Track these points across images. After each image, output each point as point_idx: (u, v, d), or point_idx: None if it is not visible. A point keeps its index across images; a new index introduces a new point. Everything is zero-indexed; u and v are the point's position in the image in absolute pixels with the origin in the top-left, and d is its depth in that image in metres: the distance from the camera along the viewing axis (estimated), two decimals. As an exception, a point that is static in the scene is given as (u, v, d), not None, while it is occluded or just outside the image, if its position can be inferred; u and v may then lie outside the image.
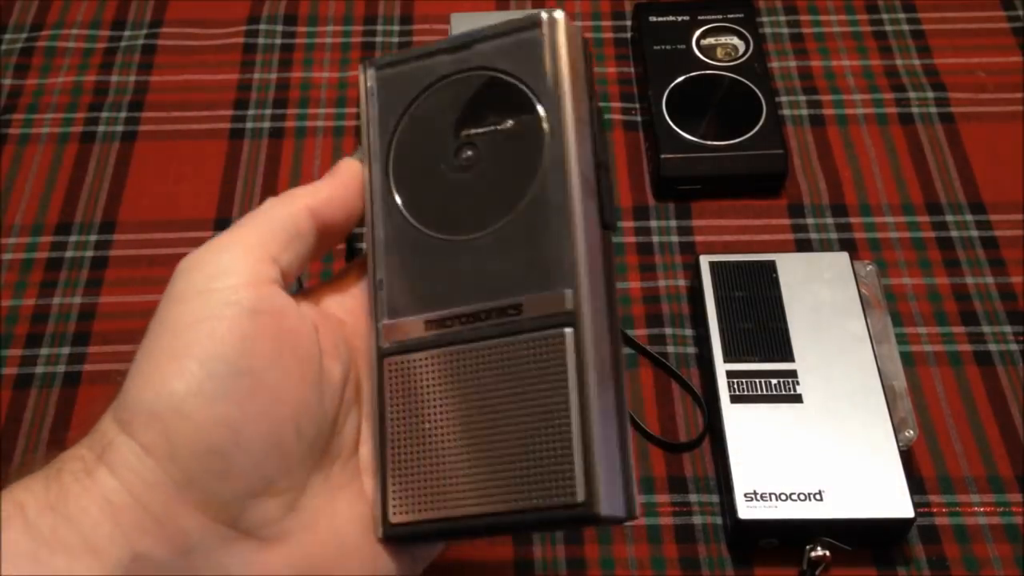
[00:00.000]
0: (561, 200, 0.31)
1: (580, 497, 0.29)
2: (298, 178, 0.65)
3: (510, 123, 0.33)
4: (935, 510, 0.52)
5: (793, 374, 0.53)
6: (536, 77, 0.33)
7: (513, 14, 0.70)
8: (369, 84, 0.35)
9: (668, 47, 0.68)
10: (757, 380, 0.53)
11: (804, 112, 0.68)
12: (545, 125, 0.32)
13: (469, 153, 0.33)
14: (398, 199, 0.34)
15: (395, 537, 0.32)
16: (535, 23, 0.33)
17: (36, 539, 0.27)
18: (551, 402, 0.30)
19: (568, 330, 0.30)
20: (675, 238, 0.63)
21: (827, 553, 0.49)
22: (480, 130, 0.33)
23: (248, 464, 0.29)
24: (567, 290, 0.31)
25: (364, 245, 0.35)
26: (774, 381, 0.52)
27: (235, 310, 0.30)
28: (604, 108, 0.69)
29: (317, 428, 0.32)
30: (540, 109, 0.32)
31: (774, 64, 0.70)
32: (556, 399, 0.30)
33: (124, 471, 0.28)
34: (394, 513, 0.32)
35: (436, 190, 0.34)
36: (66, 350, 0.58)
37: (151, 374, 0.30)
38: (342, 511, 0.33)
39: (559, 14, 0.33)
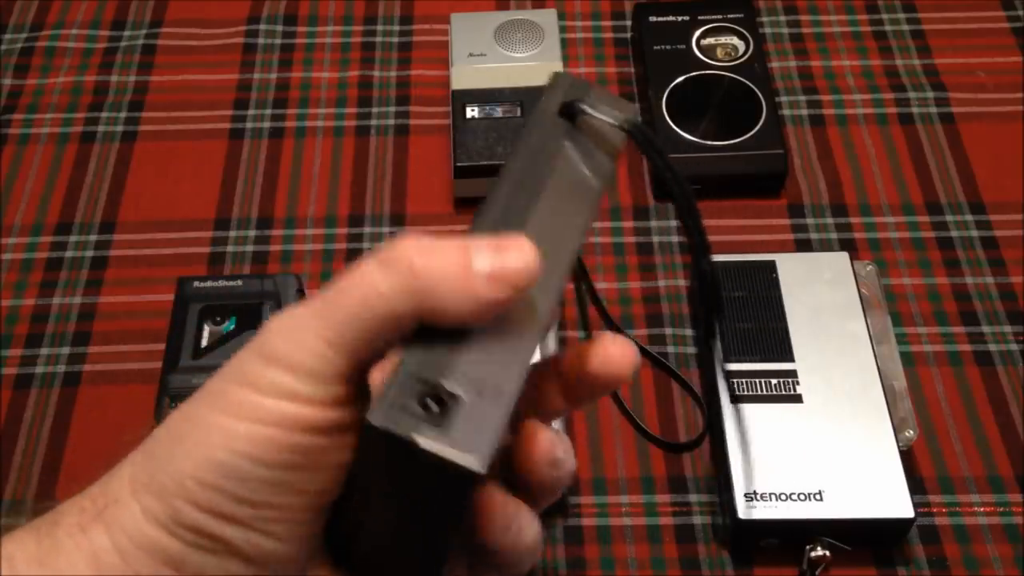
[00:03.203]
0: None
1: None
2: (298, 178, 0.65)
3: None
4: (935, 510, 0.52)
5: (793, 374, 0.53)
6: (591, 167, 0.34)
7: (512, 14, 0.70)
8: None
9: (668, 47, 0.68)
10: (757, 380, 0.53)
11: (804, 112, 0.68)
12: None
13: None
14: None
15: None
16: (616, 155, 0.34)
17: None
18: None
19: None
20: (675, 238, 0.63)
21: (827, 553, 0.49)
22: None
23: (250, 555, 0.28)
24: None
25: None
26: (774, 381, 0.52)
27: (289, 426, 0.27)
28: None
29: None
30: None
31: (774, 64, 0.70)
32: None
33: (119, 532, 0.28)
34: None
35: None
36: (66, 350, 0.58)
37: (179, 446, 0.28)
38: None
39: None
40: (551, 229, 0.31)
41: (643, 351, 0.58)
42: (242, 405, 0.28)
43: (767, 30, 0.73)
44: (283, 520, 0.28)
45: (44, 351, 0.58)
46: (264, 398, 0.28)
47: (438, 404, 0.26)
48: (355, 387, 0.29)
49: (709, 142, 0.63)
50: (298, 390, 0.28)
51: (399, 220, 0.64)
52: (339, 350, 0.28)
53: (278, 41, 0.73)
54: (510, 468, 0.32)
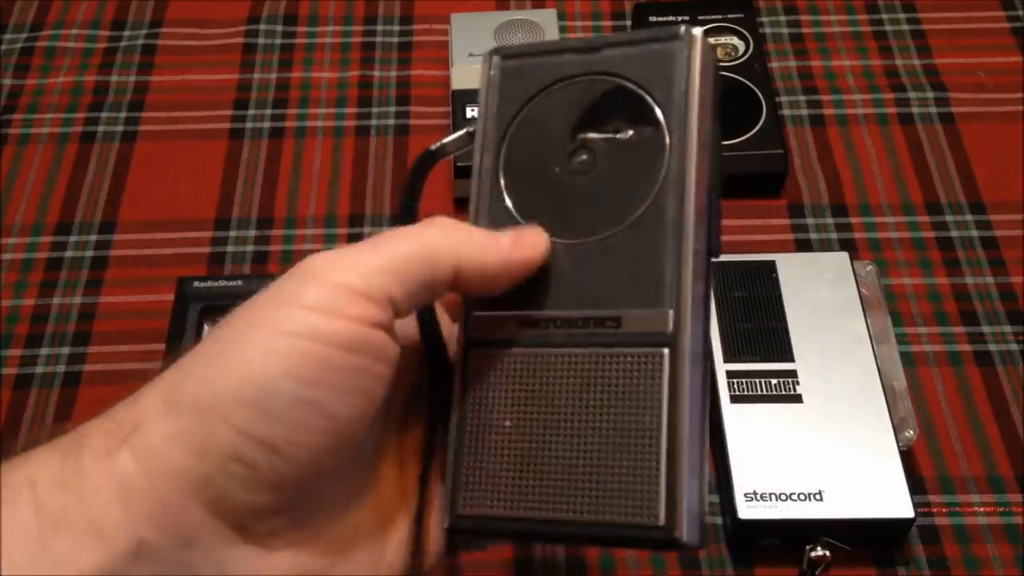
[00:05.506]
0: (675, 220, 0.31)
1: (661, 520, 0.29)
2: (298, 178, 0.65)
3: (630, 133, 0.32)
4: (935, 510, 0.52)
5: (793, 374, 0.53)
6: (665, 91, 0.32)
7: (512, 14, 0.70)
8: (492, 73, 0.34)
9: (668, 47, 0.68)
10: (757, 380, 0.53)
11: (804, 112, 0.68)
12: (667, 141, 0.32)
13: (584, 157, 0.33)
14: (506, 195, 0.33)
15: (460, 530, 0.32)
16: (674, 36, 0.33)
17: (43, 519, 0.27)
18: (641, 420, 0.30)
19: (666, 351, 0.30)
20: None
21: (827, 553, 0.49)
22: (598, 136, 0.33)
23: (273, 482, 0.29)
24: (670, 310, 0.30)
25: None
26: (774, 381, 0.52)
27: (325, 340, 0.28)
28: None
29: (360, 462, 0.32)
30: (664, 124, 0.32)
31: (774, 64, 0.70)
32: (647, 418, 0.30)
33: (147, 454, 0.28)
34: (464, 505, 0.31)
35: (547, 190, 0.33)
36: (66, 350, 0.58)
37: (216, 365, 0.28)
38: (354, 518, 0.32)
39: (698, 31, 0.33)
40: None
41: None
42: (282, 320, 0.29)
43: (767, 30, 0.73)
44: (309, 446, 0.28)
45: (44, 351, 0.58)
46: (306, 312, 0.29)
47: None
48: (389, 317, 0.30)
49: (709, 142, 0.63)
50: (339, 306, 0.29)
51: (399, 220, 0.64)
52: (383, 273, 0.30)
53: (278, 41, 0.73)
54: None
